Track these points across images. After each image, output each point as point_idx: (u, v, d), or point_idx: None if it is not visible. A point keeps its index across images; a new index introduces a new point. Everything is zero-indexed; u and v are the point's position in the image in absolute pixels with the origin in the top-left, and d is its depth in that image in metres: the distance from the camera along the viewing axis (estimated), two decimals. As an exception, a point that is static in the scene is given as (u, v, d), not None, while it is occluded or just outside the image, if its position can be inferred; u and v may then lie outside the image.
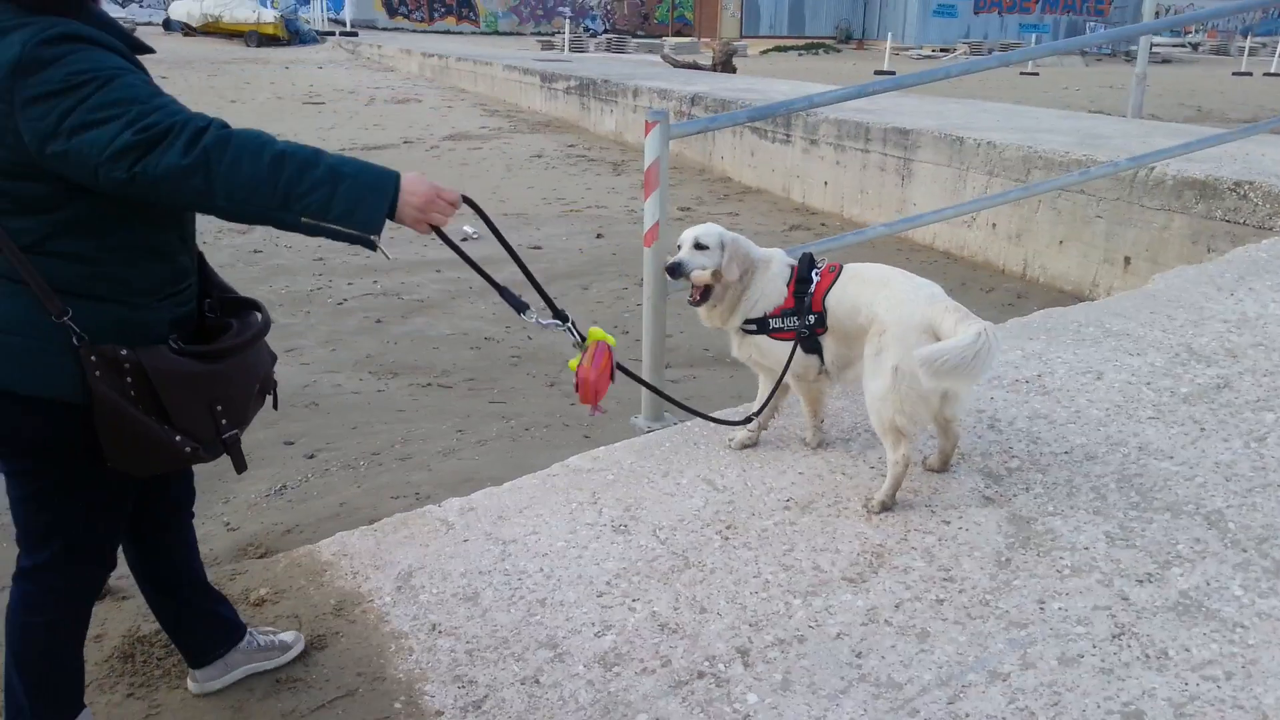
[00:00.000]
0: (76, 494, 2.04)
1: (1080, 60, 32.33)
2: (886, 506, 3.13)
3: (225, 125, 1.81)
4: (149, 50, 2.08)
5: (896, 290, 3.13)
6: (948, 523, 3.06)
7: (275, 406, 2.37)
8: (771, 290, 3.32)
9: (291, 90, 21.46)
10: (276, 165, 1.80)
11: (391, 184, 1.95)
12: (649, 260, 3.78)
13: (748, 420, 3.54)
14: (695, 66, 22.60)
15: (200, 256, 2.20)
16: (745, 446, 3.59)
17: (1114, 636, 2.50)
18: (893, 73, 25.31)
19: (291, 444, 4.33)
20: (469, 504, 3.36)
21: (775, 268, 3.36)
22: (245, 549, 3.53)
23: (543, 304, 2.66)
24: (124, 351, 1.89)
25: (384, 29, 43.99)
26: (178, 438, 1.97)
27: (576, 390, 2.61)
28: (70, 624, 2.19)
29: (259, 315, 2.22)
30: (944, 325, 3.01)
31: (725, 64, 22.25)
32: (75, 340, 1.86)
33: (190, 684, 2.52)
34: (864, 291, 3.17)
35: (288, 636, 2.66)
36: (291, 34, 35.45)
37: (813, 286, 3.25)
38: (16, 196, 1.81)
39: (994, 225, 8.13)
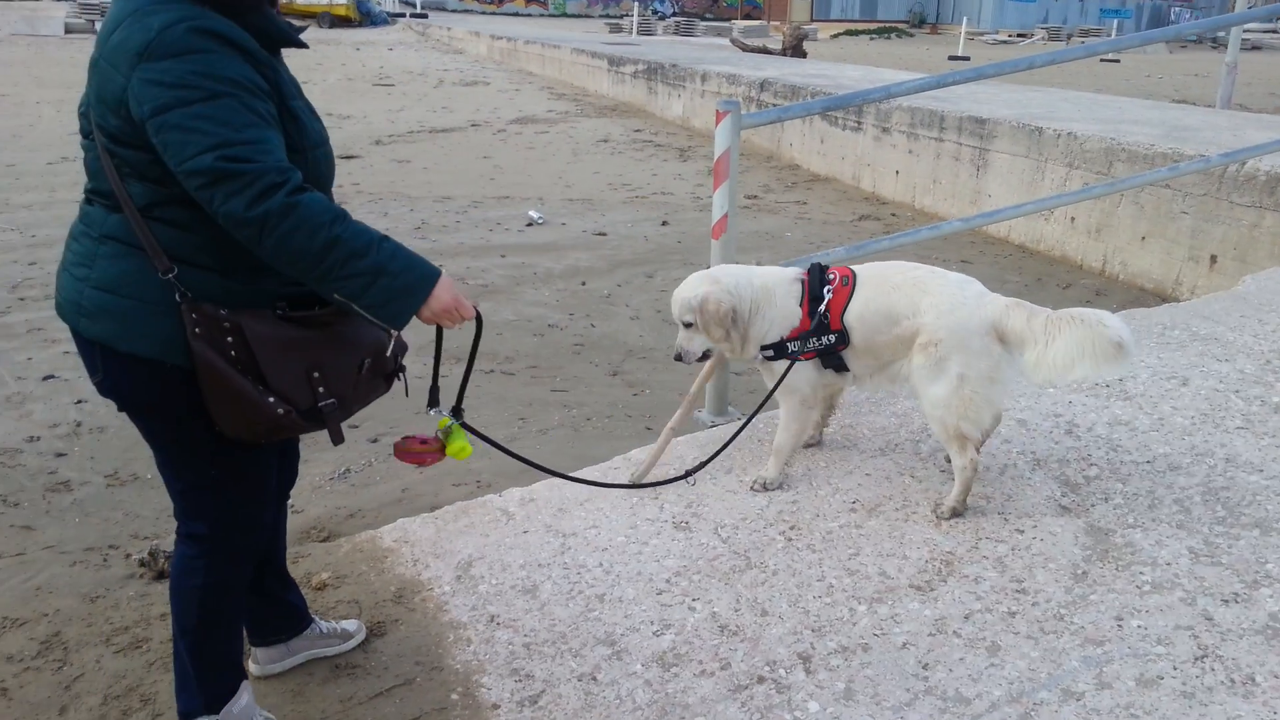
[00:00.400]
0: (206, 461, 2.08)
1: (1164, 47, 31.25)
2: (957, 512, 3.04)
3: (299, 187, 1.84)
4: (302, 45, 2.13)
5: (941, 295, 2.98)
6: (1021, 532, 2.95)
7: (406, 394, 2.37)
8: (782, 315, 3.14)
9: (362, 71, 21.71)
10: (327, 248, 1.85)
11: (427, 290, 2.00)
12: (716, 253, 3.71)
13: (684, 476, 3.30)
14: (764, 50, 22.35)
15: None
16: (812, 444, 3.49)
17: (1197, 659, 2.39)
18: (967, 58, 24.74)
19: (356, 427, 4.35)
20: (529, 494, 3.35)
21: (780, 292, 3.16)
22: (309, 532, 3.56)
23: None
24: (223, 311, 1.94)
25: (454, 11, 44.29)
26: (271, 399, 1.99)
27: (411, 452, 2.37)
28: (224, 589, 2.22)
29: None
30: (1012, 323, 2.91)
31: (795, 48, 21.96)
32: (178, 297, 1.91)
33: (252, 665, 2.54)
34: (898, 299, 3.02)
35: (350, 625, 2.67)
36: (363, 16, 35.90)
37: (824, 305, 3.08)
38: (130, 162, 1.88)
39: (1072, 219, 7.88)
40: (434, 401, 2.39)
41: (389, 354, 2.24)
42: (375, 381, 2.23)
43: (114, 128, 1.86)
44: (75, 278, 1.97)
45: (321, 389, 2.07)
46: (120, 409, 2.08)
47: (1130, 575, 2.72)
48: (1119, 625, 2.53)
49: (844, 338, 3.06)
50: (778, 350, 3.14)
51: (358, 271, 1.88)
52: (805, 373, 3.15)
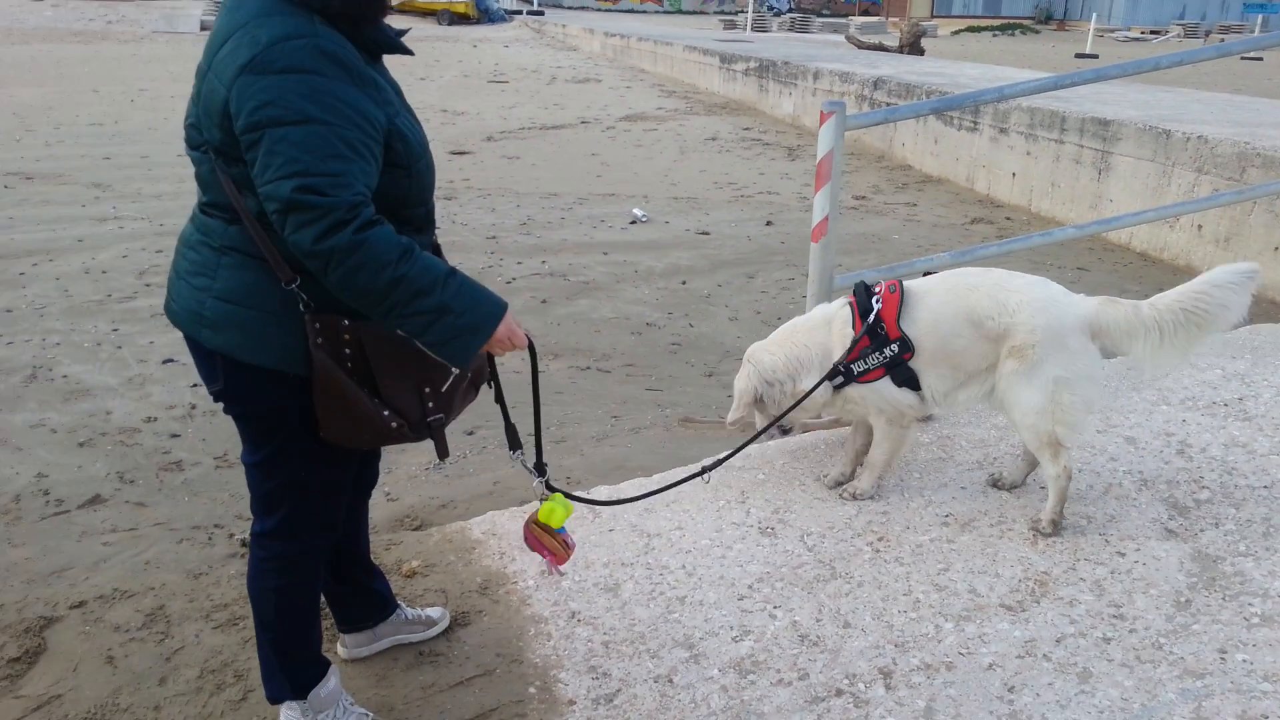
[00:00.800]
0: (301, 463, 2.11)
1: (1313, 45, 29.43)
2: (1058, 525, 2.93)
3: (368, 222, 1.82)
4: (407, 52, 2.15)
5: (1030, 293, 2.86)
6: (1123, 554, 2.83)
7: (496, 399, 2.39)
8: (840, 344, 3.07)
9: (478, 68, 22.16)
10: (391, 286, 1.84)
11: (492, 328, 1.98)
12: (815, 257, 3.66)
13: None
14: (881, 48, 21.93)
15: (437, 248, 2.25)
16: (838, 484, 3.32)
17: (1308, 700, 2.25)
18: (1096, 56, 23.78)
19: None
20: (617, 492, 3.36)
21: (837, 322, 3.10)
22: (402, 520, 3.65)
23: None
24: (345, 322, 1.96)
25: (570, 8, 44.79)
26: (386, 412, 2.02)
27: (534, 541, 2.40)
28: (300, 589, 2.28)
29: None
30: (1113, 316, 2.80)
31: (913, 45, 21.48)
32: (301, 306, 1.93)
33: (340, 649, 2.62)
34: (980, 299, 2.90)
35: (434, 612, 2.73)
36: (481, 12, 36.59)
37: (873, 315, 2.98)
38: (237, 178, 1.89)
39: (1199, 227, 7.49)
40: (515, 444, 2.41)
41: (486, 368, 2.31)
42: (471, 392, 2.29)
43: (219, 141, 1.87)
44: (195, 288, 1.98)
45: (431, 404, 2.10)
46: (232, 414, 2.11)
47: (1238, 606, 2.58)
48: (1222, 658, 2.40)
49: (906, 344, 2.96)
50: (845, 375, 3.05)
51: (422, 309, 1.88)
52: (883, 391, 3.04)
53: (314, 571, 2.31)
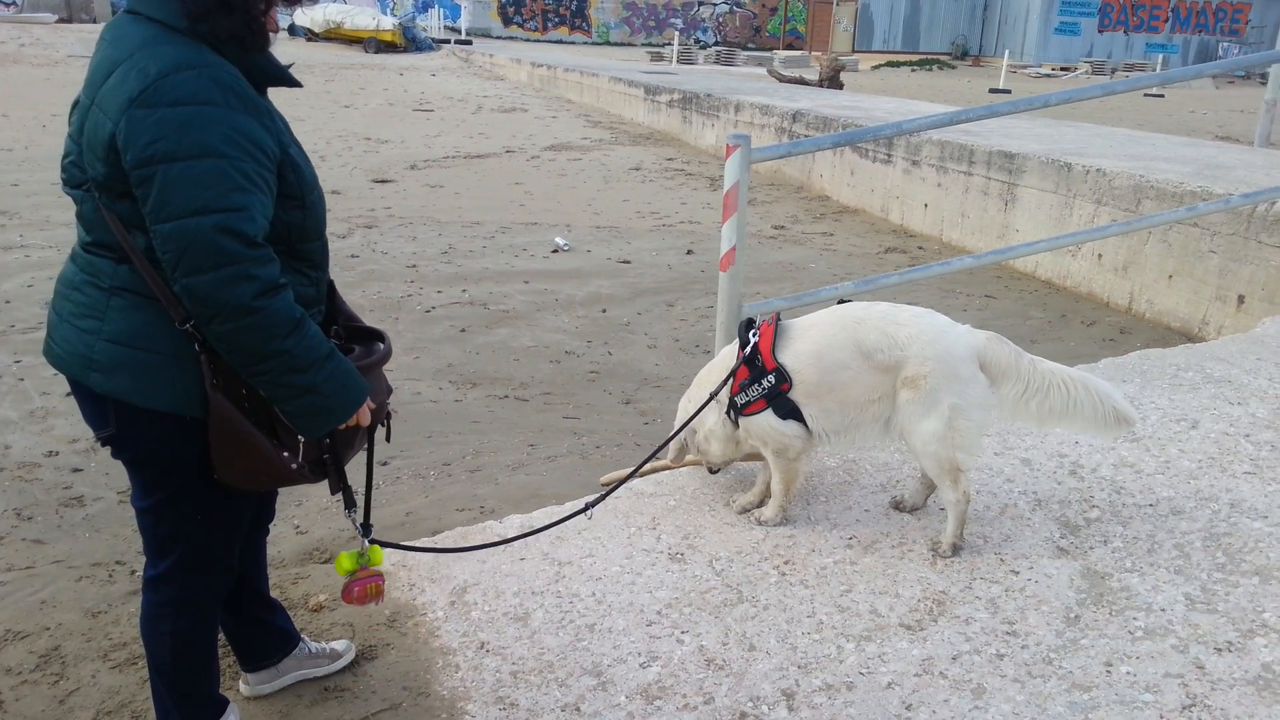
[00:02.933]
0: (195, 508, 2.07)
1: (1210, 82, 30.90)
2: (958, 548, 3.02)
3: (271, 287, 1.81)
4: (295, 84, 2.12)
5: (919, 326, 2.94)
6: (1016, 573, 2.93)
7: (388, 439, 2.39)
8: (722, 371, 3.19)
9: (403, 97, 22.04)
10: (271, 356, 1.85)
11: (346, 415, 2.01)
12: (724, 285, 3.74)
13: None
14: (802, 81, 22.40)
15: (331, 285, 2.25)
16: (744, 510, 3.36)
17: (1184, 708, 2.36)
18: (1008, 91, 24.62)
19: (366, 450, 4.42)
20: (529, 521, 3.37)
21: (726, 358, 3.23)
22: (310, 553, 3.60)
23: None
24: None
25: (498, 37, 44.86)
26: (285, 454, 1.99)
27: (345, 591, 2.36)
28: (195, 632, 2.23)
29: (381, 345, 2.25)
30: (997, 355, 2.92)
31: (832, 79, 21.99)
32: (197, 347, 1.88)
33: (242, 686, 2.58)
34: (867, 332, 2.96)
35: (339, 645, 2.71)
36: (408, 41, 36.40)
37: (749, 348, 3.08)
38: (124, 215, 1.84)
39: (1099, 256, 7.81)
40: (367, 532, 2.37)
41: (386, 403, 2.28)
42: (370, 431, 2.26)
43: (103, 176, 1.81)
44: (83, 330, 1.91)
45: (329, 440, 2.07)
46: (123, 459, 2.05)
47: (1123, 620, 2.69)
48: (1108, 671, 2.50)
49: (783, 375, 3.02)
50: (733, 409, 3.14)
51: (290, 384, 1.89)
52: (766, 423, 3.10)
53: (210, 614, 2.27)
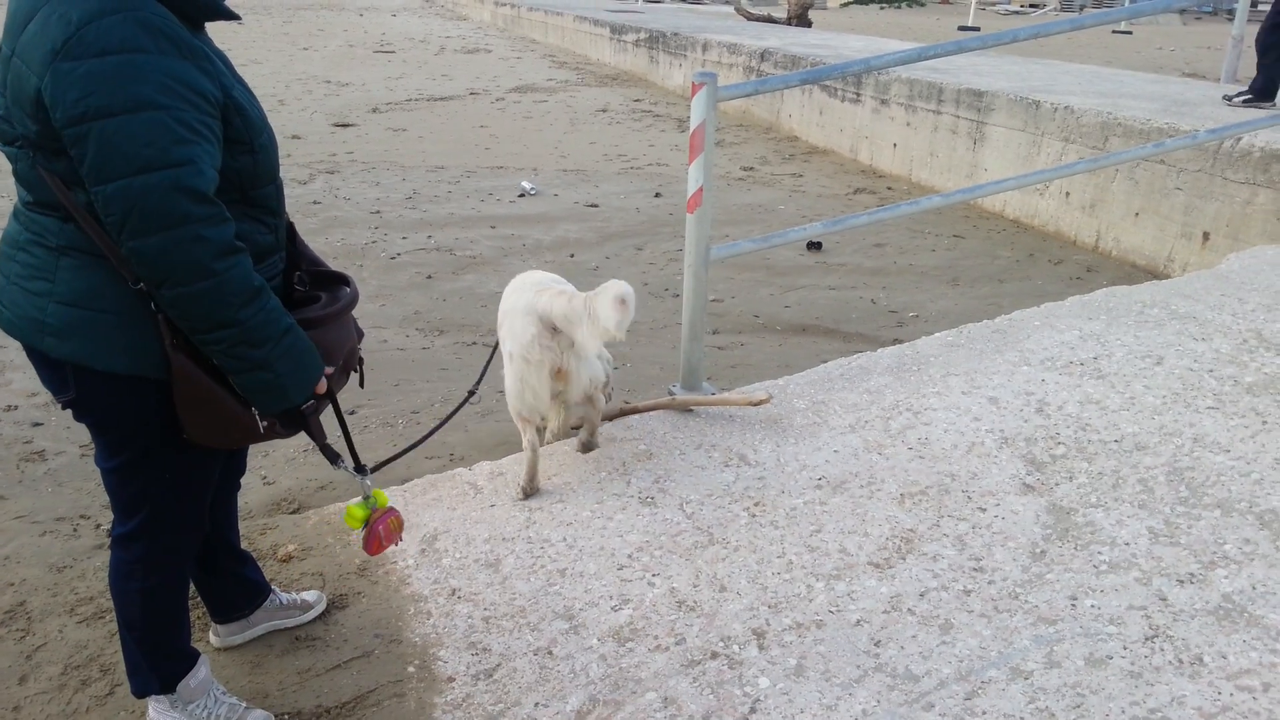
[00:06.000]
0: (162, 466, 2.02)
1: (1178, 18, 30.85)
2: (528, 494, 3.15)
3: (230, 249, 1.74)
4: (234, 17, 1.98)
5: (511, 285, 3.20)
6: (984, 510, 2.96)
7: (361, 384, 2.35)
8: None
9: (364, 38, 21.56)
10: (224, 325, 1.77)
11: (300, 398, 1.94)
12: (691, 227, 3.69)
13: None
14: (769, 20, 22.12)
15: (291, 228, 2.15)
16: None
17: (1147, 639, 2.40)
18: (978, 29, 24.47)
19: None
20: (499, 469, 3.36)
21: None
22: (279, 504, 3.57)
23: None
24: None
25: (460, -23, 43.78)
26: (254, 412, 1.92)
27: (368, 541, 2.34)
28: (165, 588, 2.18)
29: (348, 289, 2.17)
30: (550, 305, 2.99)
31: (800, 18, 21.72)
32: (153, 306, 1.79)
33: (212, 637, 2.56)
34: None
35: (310, 596, 2.69)
36: (368, -19, 35.48)
37: None
38: (62, 172, 1.73)
39: (1067, 194, 7.82)
40: (360, 469, 2.32)
41: (357, 352, 2.23)
42: (342, 378, 2.20)
43: (35, 134, 1.70)
44: (32, 293, 1.82)
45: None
46: (86, 423, 1.98)
47: (1088, 555, 2.72)
48: (1073, 605, 2.53)
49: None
50: None
51: (243, 356, 1.82)
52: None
53: (180, 571, 2.23)
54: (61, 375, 1.88)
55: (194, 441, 1.94)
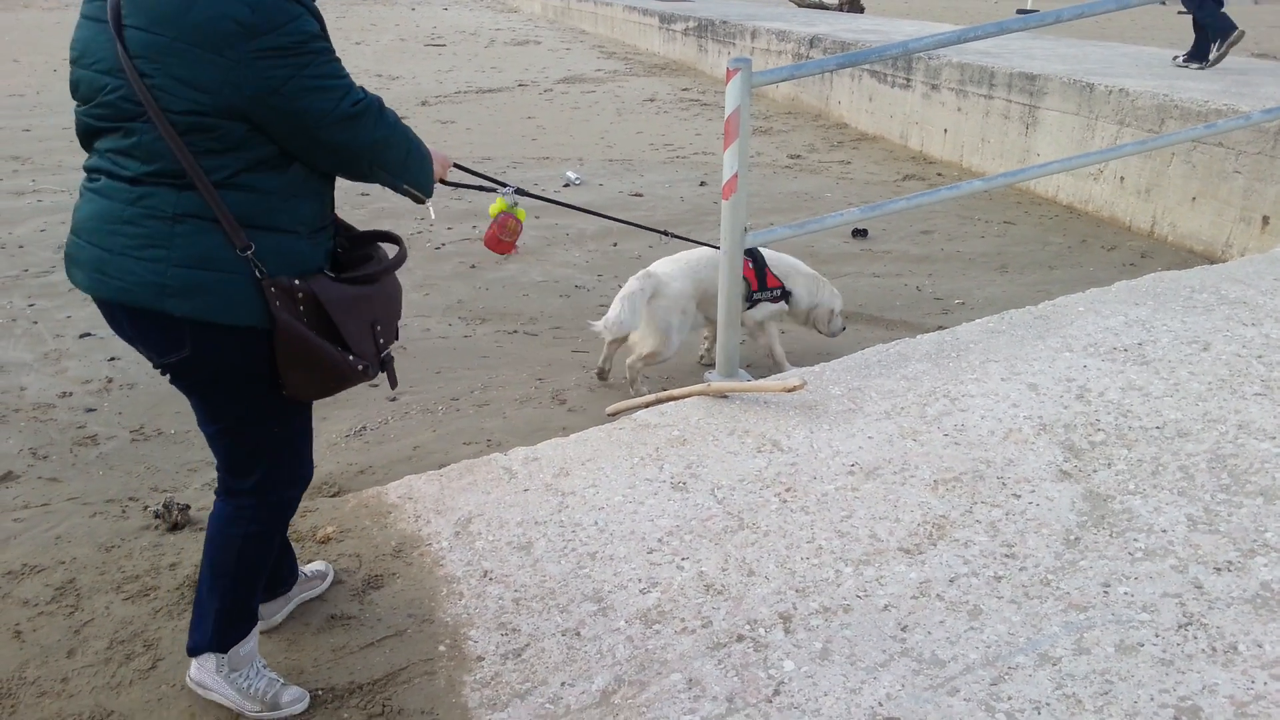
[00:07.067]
0: (269, 418, 2.19)
1: (1246, -2, 29.86)
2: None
3: (381, 105, 2.09)
4: None
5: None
6: (1018, 496, 2.92)
7: (393, 385, 2.49)
8: None
9: (415, 32, 21.77)
10: (407, 147, 2.14)
11: (432, 162, 2.31)
12: (726, 214, 3.69)
13: None
14: (821, 6, 21.87)
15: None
16: None
17: (1180, 626, 2.36)
18: (1036, 11, 24.00)
19: (376, 386, 4.45)
20: (534, 454, 3.39)
21: None
22: (320, 487, 3.65)
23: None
24: (297, 281, 2.05)
25: (511, -30, 43.94)
26: (350, 357, 2.13)
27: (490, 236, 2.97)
28: (265, 538, 2.34)
29: (395, 246, 2.39)
30: None
31: (852, 3, 21.43)
32: (257, 274, 1.99)
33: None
34: None
35: (319, 566, 2.80)
36: (421, -25, 35.75)
37: None
38: (220, 135, 1.92)
39: (1122, 179, 7.65)
40: (511, 188, 2.98)
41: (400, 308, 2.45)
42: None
43: (203, 105, 1.88)
44: (149, 259, 1.96)
45: (382, 340, 2.23)
46: (196, 381, 2.12)
47: (1124, 542, 2.68)
48: (1105, 591, 2.49)
49: None
50: None
51: (417, 159, 2.18)
52: None
53: (284, 522, 2.40)
54: (178, 335, 2.02)
55: (292, 396, 2.14)
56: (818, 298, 4.79)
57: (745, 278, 4.47)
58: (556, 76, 15.26)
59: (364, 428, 4.12)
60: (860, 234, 7.14)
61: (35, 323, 5.30)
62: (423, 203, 2.32)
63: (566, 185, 8.59)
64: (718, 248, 4.34)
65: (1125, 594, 2.48)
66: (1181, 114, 7.14)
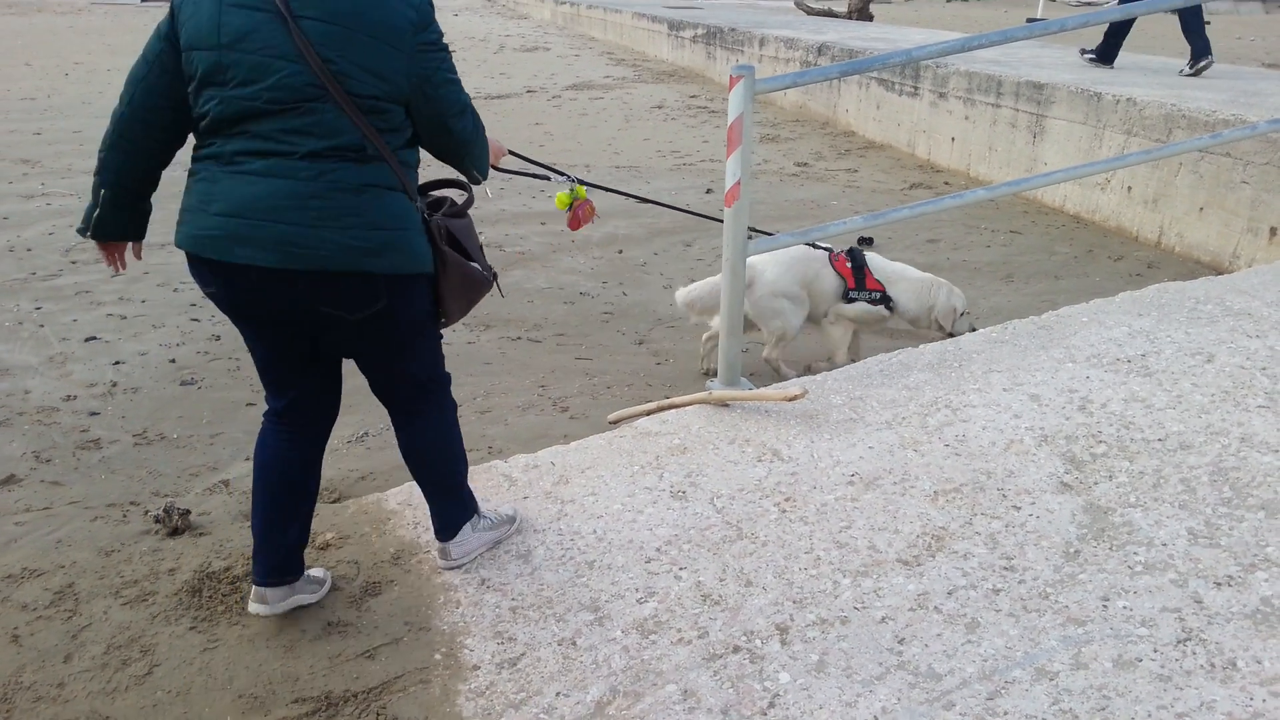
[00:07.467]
0: (435, 343, 2.63)
1: (1260, 6, 29.78)
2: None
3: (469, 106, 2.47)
4: None
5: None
6: (1018, 508, 2.91)
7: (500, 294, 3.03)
8: None
9: (426, 38, 21.80)
10: (483, 140, 2.52)
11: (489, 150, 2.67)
12: (729, 221, 3.69)
13: None
14: (829, 14, 21.87)
15: None
16: None
17: (1179, 641, 2.34)
18: (1044, 20, 23.95)
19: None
20: (534, 461, 3.39)
21: None
22: (320, 493, 3.64)
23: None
24: (438, 219, 2.45)
25: (522, -24, 44.05)
26: (485, 272, 2.58)
27: (571, 220, 3.45)
28: (457, 422, 2.81)
29: (463, 191, 2.71)
30: None
31: (861, 11, 21.40)
32: (424, 217, 2.40)
33: (256, 605, 2.63)
34: None
35: (317, 573, 2.80)
36: (432, -19, 35.91)
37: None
38: (389, 117, 2.24)
39: (1129, 188, 7.62)
40: (569, 178, 3.44)
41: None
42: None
43: (382, 91, 2.20)
44: (343, 227, 2.21)
45: (485, 258, 2.66)
46: (385, 328, 2.42)
47: (1123, 555, 2.66)
48: (1104, 606, 2.48)
49: None
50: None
51: (483, 148, 2.53)
52: None
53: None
54: (373, 289, 2.31)
55: (449, 324, 2.57)
56: (932, 301, 4.76)
57: (840, 275, 4.67)
58: (565, 83, 15.29)
59: (366, 433, 4.12)
60: (866, 242, 7.12)
61: (41, 326, 5.32)
62: (478, 184, 2.65)
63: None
64: (820, 247, 4.73)
65: (1124, 608, 2.47)
66: (1189, 124, 7.12)
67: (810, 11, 22.23)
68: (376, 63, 2.17)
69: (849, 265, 4.69)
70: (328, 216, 2.19)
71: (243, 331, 2.48)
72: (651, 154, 10.24)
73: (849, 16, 21.07)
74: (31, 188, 8.21)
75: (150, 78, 2.26)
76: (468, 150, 2.47)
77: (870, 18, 21.14)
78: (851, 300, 4.69)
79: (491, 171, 2.74)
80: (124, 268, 2.56)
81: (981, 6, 33.27)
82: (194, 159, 2.30)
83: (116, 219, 2.42)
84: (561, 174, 3.47)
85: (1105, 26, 9.87)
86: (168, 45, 2.24)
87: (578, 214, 3.39)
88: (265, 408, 2.65)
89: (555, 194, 3.44)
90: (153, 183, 2.42)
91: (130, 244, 2.52)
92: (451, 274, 2.45)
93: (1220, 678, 2.22)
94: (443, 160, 2.48)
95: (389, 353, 2.53)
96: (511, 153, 3.21)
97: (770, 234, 4.30)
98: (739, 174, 3.61)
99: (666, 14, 19.79)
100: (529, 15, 29.42)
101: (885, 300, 4.72)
